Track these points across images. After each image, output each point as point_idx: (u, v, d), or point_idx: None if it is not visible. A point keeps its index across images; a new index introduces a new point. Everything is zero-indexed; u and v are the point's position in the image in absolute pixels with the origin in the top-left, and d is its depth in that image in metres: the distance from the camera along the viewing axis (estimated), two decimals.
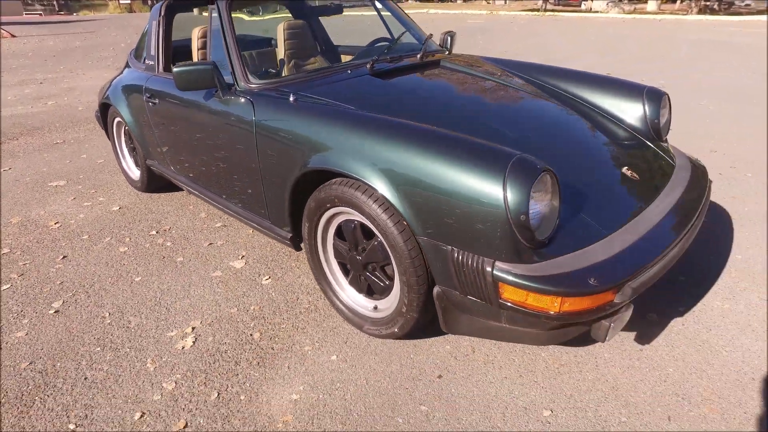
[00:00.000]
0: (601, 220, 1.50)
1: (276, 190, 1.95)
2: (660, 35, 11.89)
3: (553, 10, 22.31)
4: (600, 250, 1.39)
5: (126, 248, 2.62)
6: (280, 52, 2.78)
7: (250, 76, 2.08)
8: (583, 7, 24.22)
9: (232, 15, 2.22)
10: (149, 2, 41.77)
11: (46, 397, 1.64)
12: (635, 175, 1.76)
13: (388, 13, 2.99)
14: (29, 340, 1.92)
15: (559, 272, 1.30)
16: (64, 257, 2.54)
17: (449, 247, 1.42)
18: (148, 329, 1.97)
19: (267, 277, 2.30)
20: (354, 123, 1.64)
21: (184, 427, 1.51)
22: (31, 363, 1.79)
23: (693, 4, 18.37)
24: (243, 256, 2.49)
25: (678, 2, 22.91)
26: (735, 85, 6.00)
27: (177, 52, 3.06)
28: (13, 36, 17.34)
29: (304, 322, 1.98)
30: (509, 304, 1.35)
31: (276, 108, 1.89)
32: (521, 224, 1.29)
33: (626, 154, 1.93)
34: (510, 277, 1.32)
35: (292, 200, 1.90)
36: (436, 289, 1.53)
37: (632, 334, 1.85)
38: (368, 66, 2.23)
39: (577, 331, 1.49)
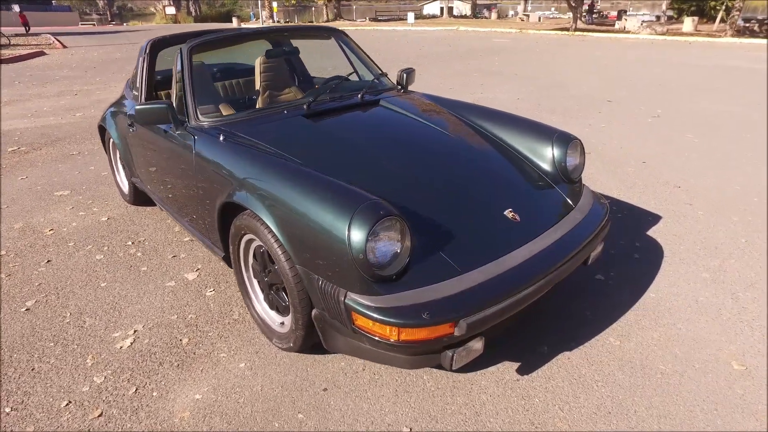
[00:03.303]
0: (460, 259, 1.70)
1: (210, 214, 2.23)
2: (678, 61, 11.71)
3: (584, 30, 22.14)
4: (447, 287, 1.59)
5: (102, 256, 2.96)
6: (257, 84, 3.09)
7: (199, 115, 2.38)
8: (617, 26, 23.97)
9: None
10: (193, 13, 44.04)
11: None
12: (516, 216, 1.94)
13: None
14: None
15: (399, 305, 1.51)
16: (49, 261, 2.91)
17: (317, 276, 1.65)
18: (98, 329, 2.28)
19: (211, 289, 2.58)
20: (257, 165, 1.92)
21: (99, 416, 1.79)
22: None
23: (727, 27, 17.89)
24: (198, 270, 2.79)
25: (717, 22, 22.32)
26: (728, 117, 5.95)
27: (166, 80, 3.43)
28: (64, 47, 18.73)
29: (229, 331, 2.24)
30: (361, 330, 1.57)
31: (209, 145, 2.18)
32: (362, 262, 1.51)
33: (520, 194, 2.11)
34: (358, 307, 1.54)
35: (221, 225, 2.17)
36: (314, 311, 1.76)
37: (516, 365, 2.01)
38: (305, 106, 2.50)
39: (436, 360, 1.68)
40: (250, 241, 2.07)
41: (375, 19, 37.27)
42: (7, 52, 16.17)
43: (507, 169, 2.27)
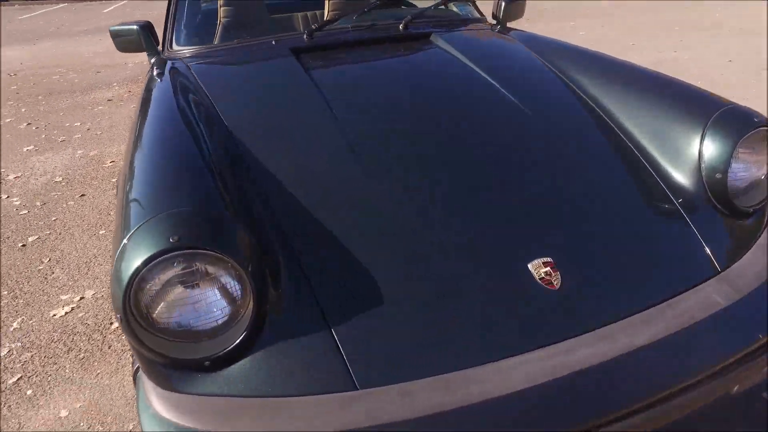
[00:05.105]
0: (370, 355, 0.85)
1: None
2: None
3: None
4: (301, 415, 0.76)
5: None
6: (326, 12, 2.44)
7: (174, 42, 1.83)
8: None
9: None
10: None
11: None
12: (553, 276, 0.94)
13: None
14: None
15: (186, 427, 0.76)
16: (83, 195, 2.82)
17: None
18: (55, 285, 2.04)
19: None
20: (143, 126, 1.29)
21: None
22: None
23: None
24: None
25: None
26: None
27: None
28: None
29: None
30: None
31: (149, 84, 1.62)
32: (132, 323, 0.79)
33: (599, 228, 1.07)
34: (140, 399, 0.83)
35: None
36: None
37: None
38: (305, 36, 1.73)
39: None
40: None
41: None
42: None
43: (597, 174, 1.21)
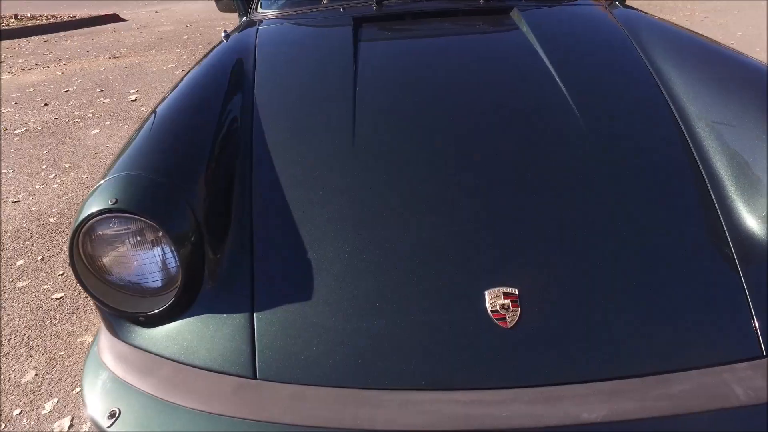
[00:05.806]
0: (289, 351, 0.83)
1: None
2: None
3: None
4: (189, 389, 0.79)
5: None
6: None
7: (259, 5, 1.92)
8: None
9: None
10: None
11: None
12: (510, 314, 0.79)
13: None
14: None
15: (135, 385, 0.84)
16: None
17: None
18: None
19: None
20: (172, 95, 1.34)
21: (60, 298, 1.85)
22: None
23: None
24: None
25: None
26: None
27: None
28: None
29: None
30: None
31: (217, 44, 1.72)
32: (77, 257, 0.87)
33: (623, 270, 0.87)
34: (96, 339, 0.95)
35: None
36: None
37: None
38: (374, 4, 1.66)
39: None
40: None
41: None
42: None
43: (635, 198, 0.97)
